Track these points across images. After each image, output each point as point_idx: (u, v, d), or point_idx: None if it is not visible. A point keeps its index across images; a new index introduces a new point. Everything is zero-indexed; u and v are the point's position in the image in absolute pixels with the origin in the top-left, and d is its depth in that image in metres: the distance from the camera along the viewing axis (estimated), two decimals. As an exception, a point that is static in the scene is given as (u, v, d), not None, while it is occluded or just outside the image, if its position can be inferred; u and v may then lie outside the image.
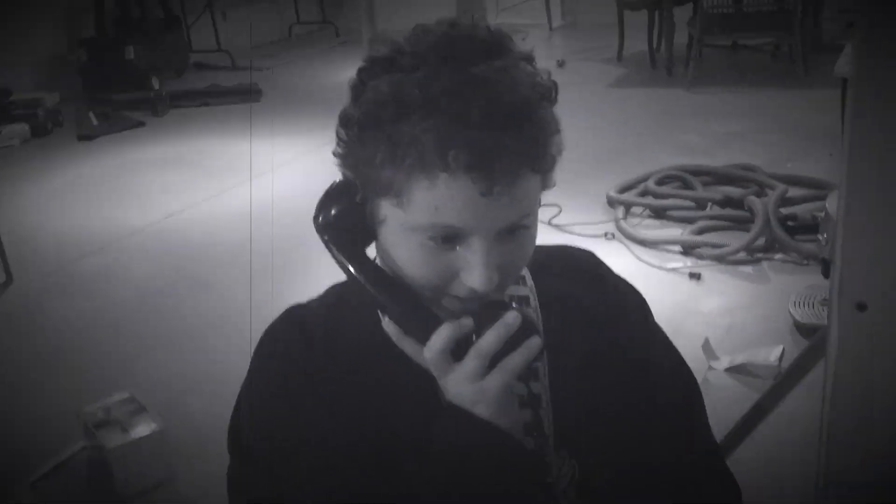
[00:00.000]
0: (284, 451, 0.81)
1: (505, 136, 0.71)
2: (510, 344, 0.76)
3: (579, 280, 0.95)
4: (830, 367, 0.78)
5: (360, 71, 0.78)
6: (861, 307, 0.73)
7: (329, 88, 6.51)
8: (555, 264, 0.95)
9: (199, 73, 7.42)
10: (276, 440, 0.82)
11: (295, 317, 0.89)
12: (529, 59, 0.78)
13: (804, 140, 4.37)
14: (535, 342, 0.76)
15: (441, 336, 0.77)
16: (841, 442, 0.78)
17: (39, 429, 2.48)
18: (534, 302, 0.90)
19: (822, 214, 2.99)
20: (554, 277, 0.93)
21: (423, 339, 0.78)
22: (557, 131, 0.78)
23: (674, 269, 3.14)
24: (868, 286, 0.74)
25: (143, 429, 2.22)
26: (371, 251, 0.84)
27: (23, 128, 5.67)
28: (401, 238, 0.77)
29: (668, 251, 3.29)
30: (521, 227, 0.78)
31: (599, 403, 0.88)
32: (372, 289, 0.80)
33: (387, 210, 0.77)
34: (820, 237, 2.55)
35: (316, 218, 0.82)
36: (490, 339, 0.76)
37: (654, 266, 3.18)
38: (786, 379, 1.49)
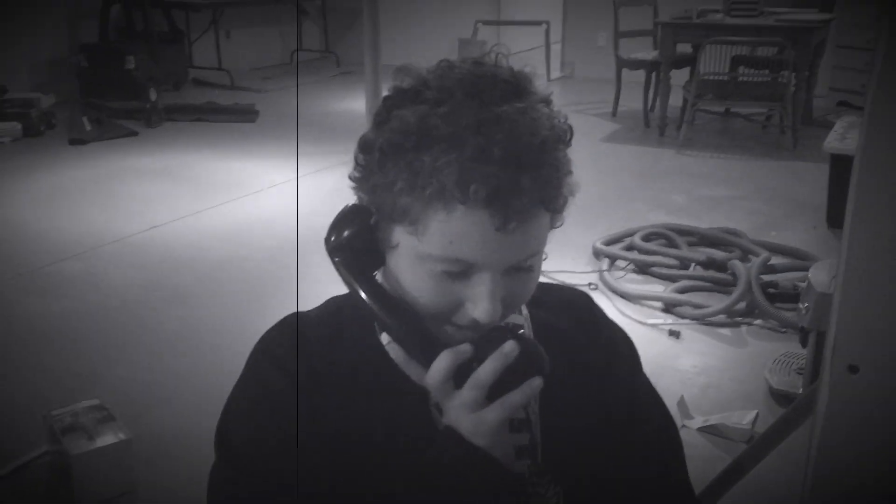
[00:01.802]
0: (268, 456, 0.81)
1: (523, 174, 0.74)
2: (513, 372, 0.77)
3: (573, 318, 0.97)
4: (818, 429, 0.79)
5: (385, 99, 0.80)
6: (853, 369, 0.74)
7: (326, 116, 6.56)
8: (550, 300, 0.97)
9: (198, 88, 7.45)
10: (261, 445, 0.82)
11: (292, 324, 0.90)
12: (548, 101, 0.80)
13: (789, 211, 4.44)
14: (536, 382, 0.78)
15: (442, 363, 0.78)
16: None
17: (4, 430, 2.44)
18: (527, 332, 0.92)
19: (804, 284, 3.03)
20: (548, 311, 0.95)
21: (425, 362, 0.79)
22: (570, 172, 0.81)
23: (654, 325, 3.16)
24: (861, 349, 0.75)
25: (109, 437, 2.18)
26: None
27: (14, 126, 5.65)
28: (411, 265, 0.79)
29: (650, 307, 3.32)
30: (529, 265, 0.80)
31: (586, 436, 0.90)
32: (379, 311, 0.81)
33: (400, 236, 0.79)
34: (800, 306, 2.58)
35: (328, 238, 0.83)
36: (488, 369, 0.77)
37: (634, 320, 3.19)
38: (761, 442, 1.50)
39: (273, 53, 8.70)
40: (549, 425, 0.89)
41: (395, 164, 0.76)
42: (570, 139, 0.81)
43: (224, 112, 6.50)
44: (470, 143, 0.73)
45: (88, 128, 5.78)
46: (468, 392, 0.77)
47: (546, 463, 0.87)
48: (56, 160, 5.27)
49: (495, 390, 0.77)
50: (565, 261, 3.72)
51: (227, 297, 3.39)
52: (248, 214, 4.36)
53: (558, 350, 0.90)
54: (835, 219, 4.07)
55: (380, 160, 0.77)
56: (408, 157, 0.75)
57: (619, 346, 0.99)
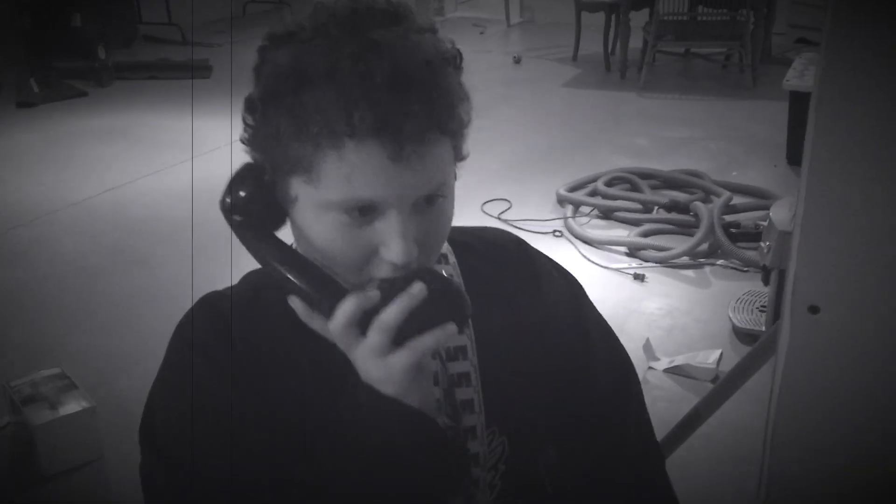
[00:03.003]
0: (197, 447, 0.78)
1: (410, 97, 0.70)
2: (429, 318, 0.72)
3: (505, 262, 0.93)
4: (780, 369, 0.78)
5: (260, 50, 0.76)
6: (813, 310, 0.73)
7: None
8: (480, 245, 0.93)
9: (149, 45, 7.24)
10: (187, 437, 0.78)
11: (208, 304, 0.86)
12: (432, 29, 0.76)
13: (750, 150, 4.45)
14: (450, 327, 0.72)
15: (345, 308, 0.73)
16: (786, 446, 0.78)
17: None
18: (452, 259, 0.88)
19: (765, 223, 3.05)
20: (478, 257, 0.92)
21: (330, 314, 0.74)
22: (466, 98, 0.77)
23: (618, 270, 3.17)
24: (821, 289, 0.74)
25: (72, 406, 2.15)
26: (288, 237, 0.81)
27: (-42, 90, 5.46)
28: (315, 217, 0.75)
29: (614, 251, 3.32)
30: (438, 198, 0.75)
31: (529, 383, 0.87)
32: (278, 266, 0.77)
33: (298, 188, 0.75)
34: (762, 245, 2.60)
35: (223, 200, 0.79)
36: (393, 310, 0.72)
37: (599, 265, 3.20)
38: (726, 383, 1.51)
39: (225, 6, 8.46)
40: (489, 377, 0.86)
41: (276, 111, 0.72)
42: (461, 63, 0.77)
43: (177, 69, 6.33)
44: (349, 73, 0.69)
45: (36, 90, 5.60)
46: (372, 336, 0.72)
47: (488, 414, 0.85)
48: (3, 124, 5.11)
49: (408, 337, 0.72)
50: (530, 208, 3.70)
51: (188, 260, 3.32)
52: (207, 174, 4.26)
53: (492, 298, 0.88)
54: (795, 156, 4.09)
55: (262, 111, 0.74)
56: (288, 101, 0.71)
57: (558, 286, 0.96)
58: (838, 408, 0.75)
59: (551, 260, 0.99)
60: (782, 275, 2.49)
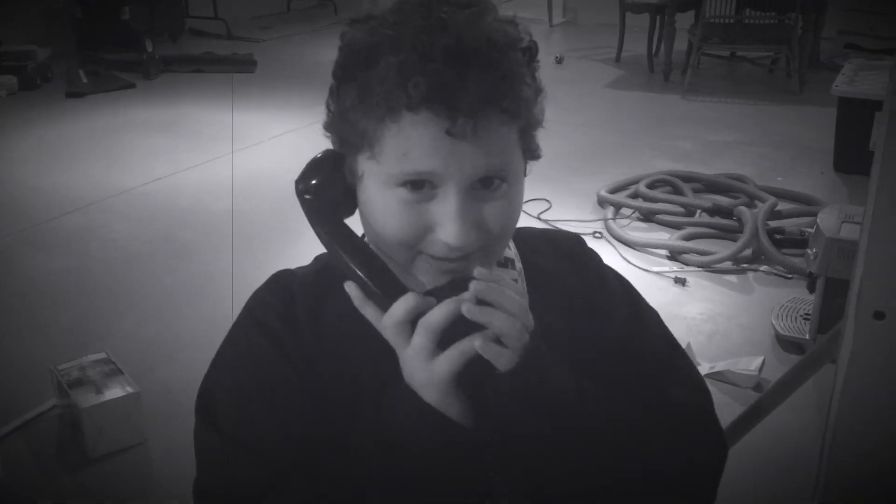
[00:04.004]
0: (252, 422, 0.80)
1: (467, 70, 0.70)
2: (476, 324, 0.70)
3: (564, 258, 0.93)
4: (841, 375, 0.78)
5: (341, 35, 0.78)
6: (879, 315, 0.73)
7: (325, 65, 6.45)
8: (541, 243, 0.94)
9: (195, 39, 7.33)
10: (244, 410, 0.80)
11: (280, 283, 0.87)
12: (511, 20, 0.77)
13: (795, 155, 4.39)
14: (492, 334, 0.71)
15: (401, 306, 0.72)
16: (845, 451, 0.77)
17: (11, 384, 2.45)
18: (518, 265, 0.88)
19: (811, 230, 3.01)
20: (540, 255, 0.92)
21: (384, 306, 0.74)
22: (537, 90, 0.77)
23: (659, 273, 3.15)
24: (887, 295, 0.73)
25: (117, 390, 2.19)
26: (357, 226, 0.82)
27: (10, 80, 5.57)
28: (377, 193, 0.76)
29: (655, 254, 3.30)
30: (498, 180, 0.75)
31: (588, 376, 0.85)
32: (341, 252, 0.78)
33: (363, 165, 0.77)
34: (808, 251, 2.56)
35: (298, 182, 0.81)
36: (437, 313, 0.71)
37: (640, 268, 3.18)
38: (777, 389, 1.49)
39: (270, 2, 8.54)
40: None
41: (347, 88, 0.75)
42: (534, 54, 0.77)
43: (222, 62, 6.40)
44: (411, 47, 0.71)
45: (85, 80, 5.70)
46: (416, 337, 0.71)
47: None
48: (53, 114, 5.20)
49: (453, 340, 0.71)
50: (570, 209, 3.69)
51: (230, 251, 3.37)
52: (250, 166, 4.32)
53: (549, 293, 0.88)
54: (842, 163, 4.03)
55: (337, 89, 0.77)
56: (357, 77, 0.74)
57: (612, 284, 0.95)
58: (900, 413, 0.74)
59: (606, 265, 0.98)
60: (829, 282, 2.45)
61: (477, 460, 0.76)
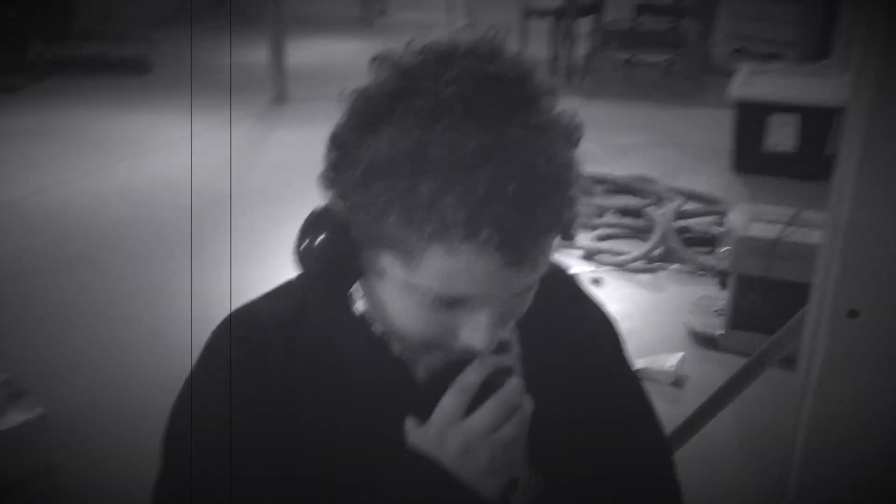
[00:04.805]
0: (206, 469, 0.75)
1: (539, 207, 0.65)
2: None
3: (557, 299, 0.89)
4: (815, 372, 0.78)
5: (367, 101, 0.68)
6: (852, 314, 0.74)
7: (223, 68, 6.29)
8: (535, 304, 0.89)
9: (84, 40, 7.01)
10: (212, 468, 0.75)
11: (238, 321, 0.80)
12: (553, 93, 0.70)
13: (696, 156, 4.54)
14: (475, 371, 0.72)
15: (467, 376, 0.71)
16: (819, 447, 0.78)
17: None
18: (515, 348, 0.83)
19: (719, 228, 3.11)
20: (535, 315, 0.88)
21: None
22: (580, 176, 0.70)
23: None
24: (861, 294, 0.74)
25: (22, 413, 2.05)
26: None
27: None
28: (399, 293, 0.70)
29: (570, 256, 3.35)
30: (530, 288, 0.73)
31: (568, 422, 0.84)
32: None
33: (387, 263, 0.69)
34: (720, 250, 2.65)
35: (297, 247, 0.73)
36: (449, 404, 0.71)
37: (556, 269, 3.22)
38: (721, 393, 1.51)
39: (163, 1, 8.26)
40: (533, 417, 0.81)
41: (385, 189, 0.65)
42: (579, 140, 0.71)
43: (114, 64, 6.15)
44: (478, 179, 0.62)
45: (-35, 83, 5.38)
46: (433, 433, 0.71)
47: (533, 462, 0.81)
48: (-69, 119, 4.88)
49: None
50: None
51: (127, 261, 3.23)
52: (147, 173, 4.15)
53: (544, 340, 0.85)
54: (741, 164, 4.19)
55: (363, 179, 0.66)
56: (401, 184, 0.64)
57: (598, 336, 0.92)
58: (876, 409, 0.76)
59: (594, 303, 0.95)
60: (741, 279, 2.54)
61: None
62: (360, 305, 0.78)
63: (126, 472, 0.77)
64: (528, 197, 0.64)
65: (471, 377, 0.71)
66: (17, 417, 2.03)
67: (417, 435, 0.72)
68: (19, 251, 3.31)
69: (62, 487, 2.05)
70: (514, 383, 0.72)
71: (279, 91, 5.39)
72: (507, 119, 0.65)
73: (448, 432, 0.70)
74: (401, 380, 0.78)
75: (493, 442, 0.70)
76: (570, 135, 0.70)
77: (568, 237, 0.73)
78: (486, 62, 0.67)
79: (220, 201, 3.80)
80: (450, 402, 0.71)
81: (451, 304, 0.69)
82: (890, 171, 0.71)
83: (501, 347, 0.81)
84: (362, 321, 0.78)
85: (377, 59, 0.69)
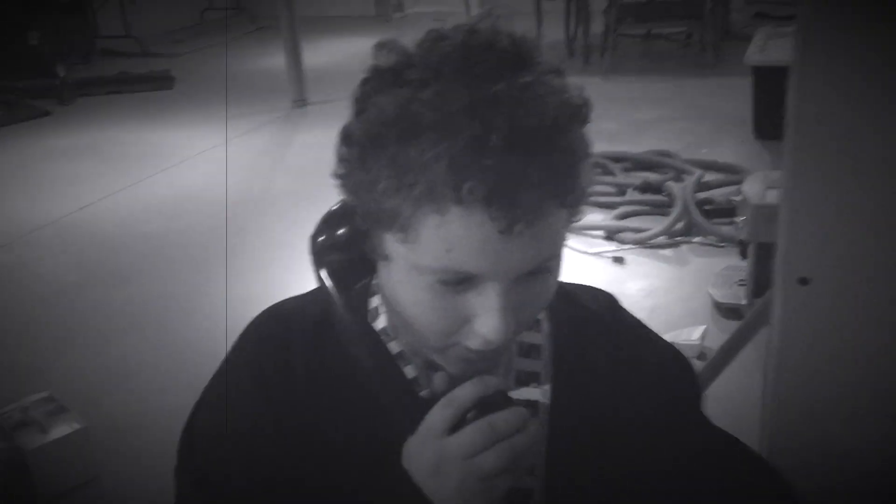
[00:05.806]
0: (226, 466, 0.77)
1: (529, 164, 0.62)
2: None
3: (599, 328, 0.85)
4: (775, 339, 0.81)
5: (363, 82, 0.68)
6: (803, 281, 0.75)
7: (245, 77, 6.37)
8: (574, 310, 0.85)
9: (108, 59, 7.16)
10: (222, 454, 0.78)
11: (276, 323, 0.82)
12: (559, 72, 0.67)
13: (717, 126, 4.51)
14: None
15: (464, 391, 0.68)
16: (785, 410, 0.80)
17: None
18: (546, 353, 0.81)
19: (739, 198, 3.09)
20: (571, 323, 0.84)
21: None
22: (588, 156, 0.68)
23: (598, 254, 3.20)
24: (810, 262, 0.76)
25: (63, 428, 2.13)
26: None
27: (-83, 117, 5.38)
28: (406, 278, 0.68)
29: (592, 236, 3.35)
30: (544, 271, 0.69)
31: (602, 472, 0.80)
32: (347, 333, 0.76)
33: (392, 246, 0.68)
34: (737, 220, 2.64)
35: (314, 240, 0.75)
36: (457, 443, 0.67)
37: (578, 251, 3.23)
38: (718, 358, 1.54)
39: (182, 15, 8.38)
40: (558, 459, 0.79)
41: (376, 160, 0.65)
42: (588, 115, 0.67)
43: (138, 81, 6.27)
44: (462, 131, 0.61)
45: (-2, 112, 5.53)
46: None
47: (548, 479, 0.80)
48: (-33, 149, 5.03)
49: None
50: (504, 199, 3.72)
51: (167, 273, 3.31)
52: (179, 185, 4.24)
53: (582, 374, 0.82)
54: (761, 130, 4.15)
55: (360, 155, 0.66)
56: (390, 151, 0.64)
57: (670, 378, 0.85)
58: (833, 375, 0.77)
59: (646, 330, 0.90)
60: (761, 248, 2.53)
61: None
62: (381, 321, 0.78)
63: (166, 480, 0.80)
64: (516, 149, 0.61)
65: (462, 392, 0.68)
66: (57, 433, 2.11)
67: (406, 445, 0.70)
68: (62, 269, 3.40)
69: (104, 497, 2.14)
70: (515, 411, 0.67)
71: (299, 94, 5.46)
72: (495, 78, 0.63)
73: (425, 446, 0.68)
74: (409, 397, 0.76)
75: (467, 467, 0.65)
76: (571, 101, 0.66)
77: (574, 214, 0.70)
78: (479, 35, 0.66)
79: (251, 208, 3.89)
80: (434, 415, 0.68)
81: (457, 286, 0.67)
82: (826, 135, 0.72)
83: (529, 351, 0.80)
84: (380, 336, 0.78)
85: (379, 46, 0.69)
